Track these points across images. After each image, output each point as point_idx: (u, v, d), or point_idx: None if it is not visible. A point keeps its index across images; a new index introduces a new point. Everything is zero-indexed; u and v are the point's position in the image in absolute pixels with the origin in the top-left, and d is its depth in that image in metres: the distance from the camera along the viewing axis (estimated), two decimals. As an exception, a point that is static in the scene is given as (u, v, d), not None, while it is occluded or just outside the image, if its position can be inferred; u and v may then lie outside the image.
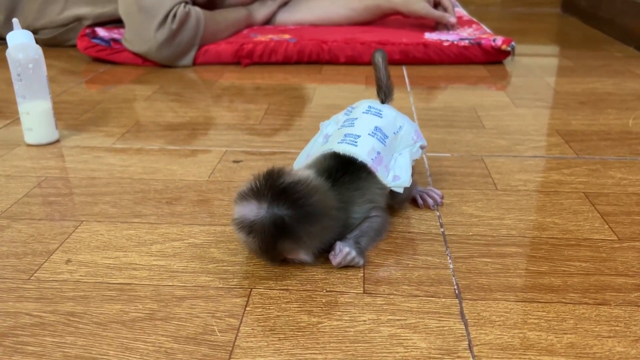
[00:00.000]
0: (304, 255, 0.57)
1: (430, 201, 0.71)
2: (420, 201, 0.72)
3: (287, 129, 1.01)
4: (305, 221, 0.54)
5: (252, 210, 0.54)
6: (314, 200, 0.55)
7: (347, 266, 0.59)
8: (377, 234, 0.62)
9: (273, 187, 0.54)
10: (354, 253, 0.58)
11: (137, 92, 1.24)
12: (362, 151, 0.63)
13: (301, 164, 0.67)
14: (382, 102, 0.72)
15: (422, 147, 0.70)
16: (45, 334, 0.50)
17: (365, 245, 0.60)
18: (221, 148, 0.92)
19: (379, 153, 0.64)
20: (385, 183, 0.64)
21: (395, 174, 0.65)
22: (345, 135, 0.65)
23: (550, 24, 2.09)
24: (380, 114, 0.67)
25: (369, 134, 0.65)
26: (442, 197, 0.73)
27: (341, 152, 0.63)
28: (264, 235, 0.54)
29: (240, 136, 0.97)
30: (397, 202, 0.69)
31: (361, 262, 0.59)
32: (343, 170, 0.61)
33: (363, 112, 0.68)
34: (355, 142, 0.63)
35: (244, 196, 0.55)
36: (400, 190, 0.65)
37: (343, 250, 0.58)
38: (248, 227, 0.54)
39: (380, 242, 0.64)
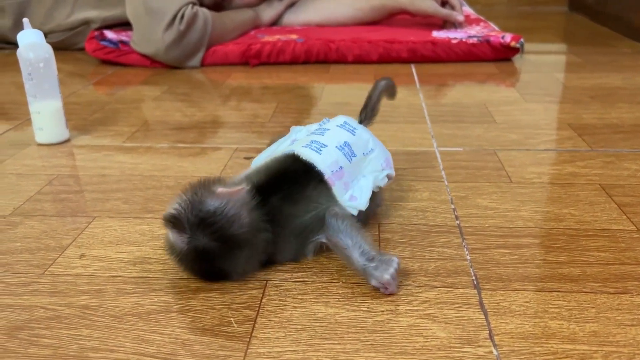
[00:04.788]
0: (235, 278, 0.56)
1: None
2: None
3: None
4: (227, 252, 0.53)
5: (176, 239, 0.53)
6: (233, 229, 0.53)
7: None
8: (358, 229, 0.56)
9: (191, 216, 0.52)
10: (387, 276, 0.52)
11: (146, 93, 1.24)
12: (323, 161, 0.59)
13: (257, 162, 0.65)
14: (360, 122, 0.70)
15: (388, 177, 0.65)
16: (60, 327, 0.50)
17: (374, 254, 0.54)
18: (231, 145, 0.91)
19: (341, 168, 0.60)
20: (339, 200, 0.59)
21: (353, 194, 0.60)
22: (312, 141, 0.62)
23: (557, 22, 2.09)
24: (354, 132, 0.64)
25: (336, 147, 0.61)
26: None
27: (301, 156, 0.60)
28: (190, 265, 0.55)
29: (250, 134, 0.97)
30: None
31: (394, 268, 0.53)
32: (294, 177, 0.59)
33: (337, 126, 0.65)
34: (320, 150, 0.60)
35: (168, 220, 0.53)
36: (355, 212, 0.59)
37: (383, 280, 0.52)
38: (176, 255, 0.54)
39: (372, 233, 0.63)
